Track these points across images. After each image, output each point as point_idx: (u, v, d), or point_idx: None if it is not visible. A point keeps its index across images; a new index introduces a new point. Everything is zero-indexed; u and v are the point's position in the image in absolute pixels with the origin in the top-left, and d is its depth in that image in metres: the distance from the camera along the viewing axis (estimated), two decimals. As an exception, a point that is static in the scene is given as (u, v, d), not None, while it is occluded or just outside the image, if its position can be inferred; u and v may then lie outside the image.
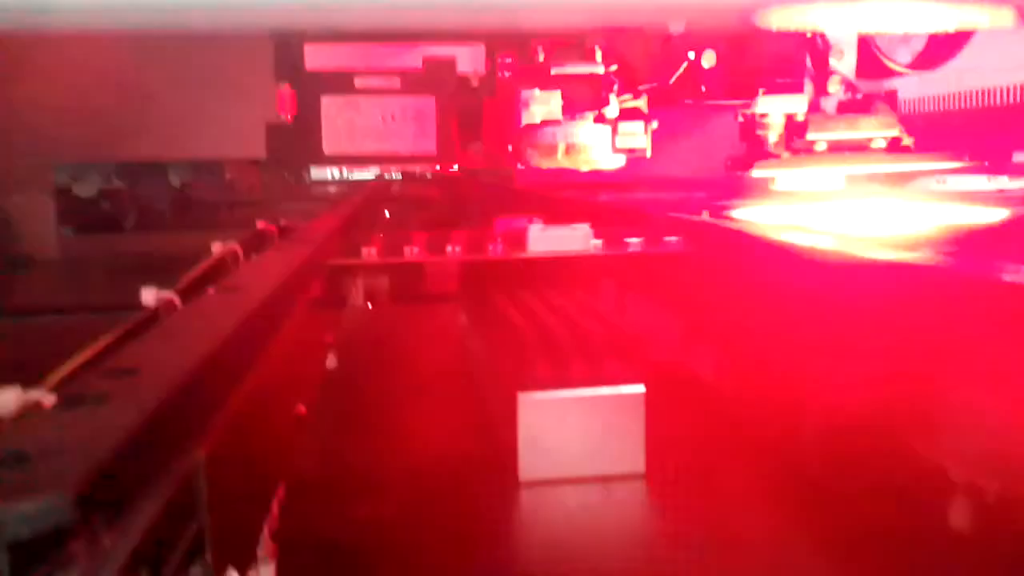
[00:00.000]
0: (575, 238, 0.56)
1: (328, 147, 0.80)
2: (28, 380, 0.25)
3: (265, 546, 0.28)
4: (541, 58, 0.85)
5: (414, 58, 0.80)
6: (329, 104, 0.77)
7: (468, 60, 0.84)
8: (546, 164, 0.87)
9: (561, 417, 0.42)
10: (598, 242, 0.56)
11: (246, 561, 0.25)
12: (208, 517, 0.21)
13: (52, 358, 0.28)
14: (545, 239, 0.55)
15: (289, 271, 0.37)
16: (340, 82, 0.78)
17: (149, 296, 0.40)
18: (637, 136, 0.88)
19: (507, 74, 0.83)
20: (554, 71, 0.85)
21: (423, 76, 0.81)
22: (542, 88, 0.85)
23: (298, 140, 0.80)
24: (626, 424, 0.42)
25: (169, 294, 0.40)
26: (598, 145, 0.88)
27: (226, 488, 0.23)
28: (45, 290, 0.87)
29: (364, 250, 0.50)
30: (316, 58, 0.79)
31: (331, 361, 0.57)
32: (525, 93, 0.84)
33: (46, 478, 0.14)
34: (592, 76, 0.86)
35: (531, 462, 0.42)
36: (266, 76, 0.77)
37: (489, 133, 0.84)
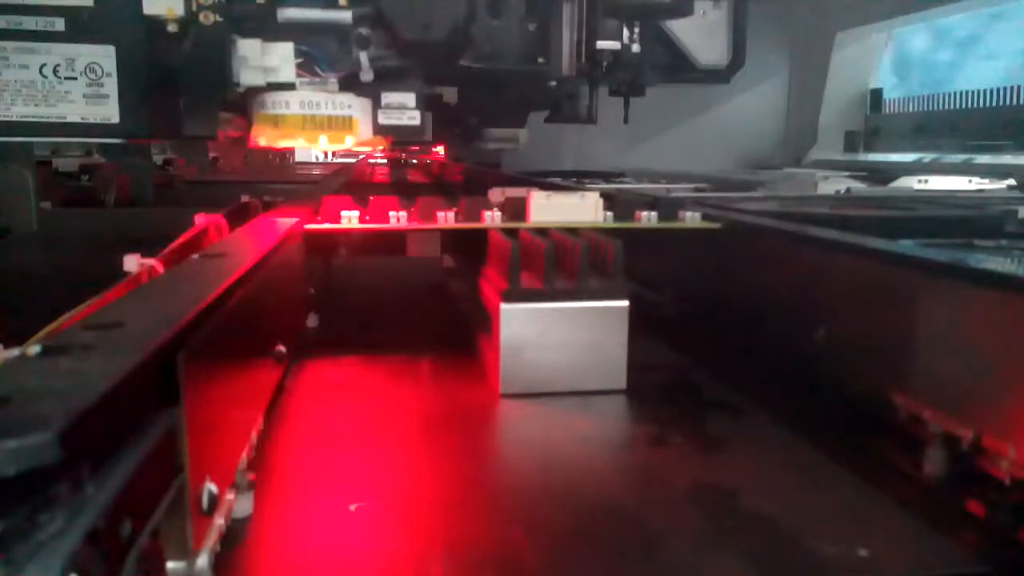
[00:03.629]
0: (584, 207, 0.50)
1: None
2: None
3: (244, 476, 0.29)
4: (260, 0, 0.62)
5: None
6: None
7: None
8: (278, 140, 0.67)
9: (544, 330, 0.41)
10: (609, 214, 0.51)
11: (223, 480, 0.25)
12: (188, 438, 0.21)
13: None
14: (549, 208, 0.50)
15: (273, 239, 0.37)
16: None
17: (132, 263, 0.40)
18: (408, 111, 0.68)
19: (216, 18, 0.61)
20: (281, 16, 0.62)
21: (96, 15, 0.59)
22: (266, 39, 0.62)
23: None
24: (609, 339, 0.42)
25: (152, 261, 0.40)
26: (352, 119, 0.66)
27: (206, 416, 0.23)
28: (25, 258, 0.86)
29: (346, 216, 0.47)
30: None
31: (312, 320, 0.57)
32: (242, 44, 0.61)
33: (28, 418, 0.14)
34: (338, 25, 0.64)
35: (513, 376, 0.42)
36: None
37: (193, 96, 0.60)
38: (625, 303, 0.42)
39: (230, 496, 0.26)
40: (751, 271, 0.50)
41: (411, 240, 0.57)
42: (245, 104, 0.65)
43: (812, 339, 0.41)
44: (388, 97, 0.67)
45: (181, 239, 0.44)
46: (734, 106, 1.89)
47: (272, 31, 0.63)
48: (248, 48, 0.61)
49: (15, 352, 0.22)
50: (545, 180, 0.97)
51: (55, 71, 0.60)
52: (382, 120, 0.67)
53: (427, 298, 0.70)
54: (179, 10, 0.59)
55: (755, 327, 0.49)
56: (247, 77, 0.62)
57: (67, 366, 0.17)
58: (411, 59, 0.67)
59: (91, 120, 0.61)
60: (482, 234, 0.48)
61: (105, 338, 0.19)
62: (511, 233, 0.46)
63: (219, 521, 0.24)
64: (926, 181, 1.36)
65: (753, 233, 0.50)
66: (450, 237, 0.60)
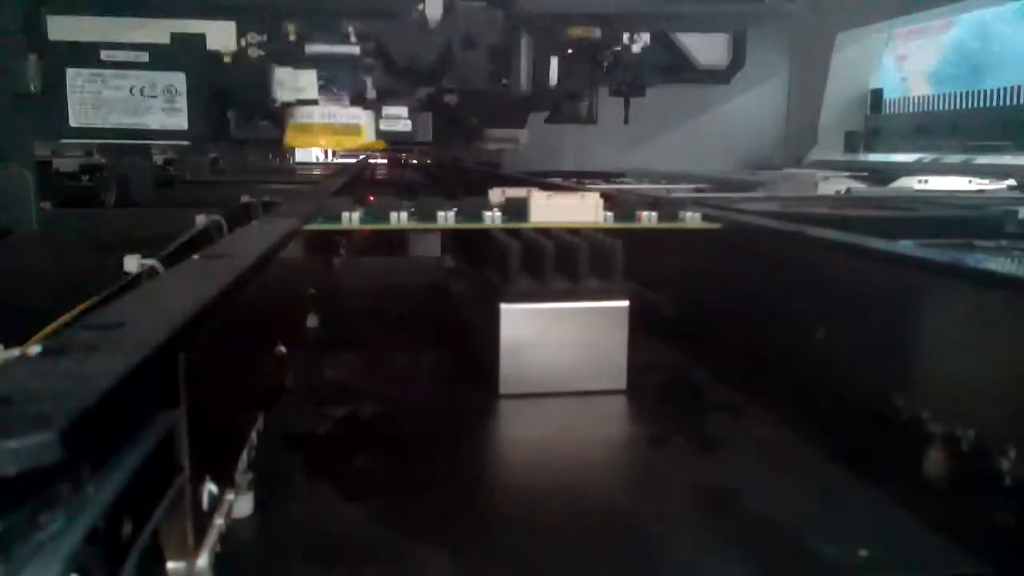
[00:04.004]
0: (584, 207, 0.50)
1: (75, 119, 0.79)
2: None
3: (244, 477, 0.29)
4: (292, 38, 0.87)
5: (162, 33, 0.80)
6: (75, 76, 0.76)
7: (218, 36, 0.83)
8: (305, 144, 0.90)
9: (544, 330, 0.41)
10: (609, 214, 0.51)
11: (224, 482, 0.25)
12: (190, 439, 0.21)
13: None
14: (550, 208, 0.49)
15: (274, 239, 0.37)
16: (85, 54, 0.77)
17: (132, 263, 0.40)
18: (402, 120, 0.91)
19: (260, 52, 0.84)
20: (308, 50, 0.86)
21: (171, 51, 0.81)
22: (296, 67, 0.86)
23: (44, 112, 0.80)
24: (609, 339, 0.42)
25: (152, 261, 0.40)
26: (360, 126, 0.89)
27: (208, 415, 0.23)
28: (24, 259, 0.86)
29: (346, 216, 0.48)
30: (60, 30, 0.78)
31: (312, 320, 0.57)
32: (278, 71, 0.85)
33: (28, 418, 0.14)
34: (348, 56, 0.87)
35: (512, 376, 0.42)
36: (15, 45, 0.76)
37: (244, 110, 0.86)
38: (625, 303, 0.42)
39: (230, 496, 0.26)
40: (751, 271, 0.50)
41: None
42: (280, 115, 0.88)
43: (812, 339, 0.41)
44: (387, 110, 0.92)
45: (181, 240, 0.44)
46: (734, 106, 1.88)
47: (301, 61, 0.86)
48: (283, 74, 0.85)
49: (15, 352, 0.22)
50: (545, 180, 0.97)
51: (141, 91, 0.80)
52: (382, 127, 0.92)
53: (427, 297, 0.70)
54: (232, 46, 0.83)
55: (755, 327, 0.49)
56: (282, 95, 0.85)
57: (67, 366, 0.17)
58: (404, 81, 0.92)
59: (167, 128, 0.81)
60: (482, 234, 0.48)
61: (105, 338, 0.19)
62: (512, 233, 0.46)
63: (219, 521, 0.24)
64: (926, 181, 1.36)
65: (753, 233, 0.50)
66: (450, 237, 0.60)
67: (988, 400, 0.30)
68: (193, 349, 0.21)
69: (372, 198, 0.53)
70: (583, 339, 0.42)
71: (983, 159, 1.40)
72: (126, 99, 0.79)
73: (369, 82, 0.89)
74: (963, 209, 0.81)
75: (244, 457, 0.30)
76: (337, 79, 0.89)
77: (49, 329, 0.27)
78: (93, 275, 0.38)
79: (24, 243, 0.92)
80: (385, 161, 2.33)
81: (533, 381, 0.42)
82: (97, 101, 0.81)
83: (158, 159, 1.80)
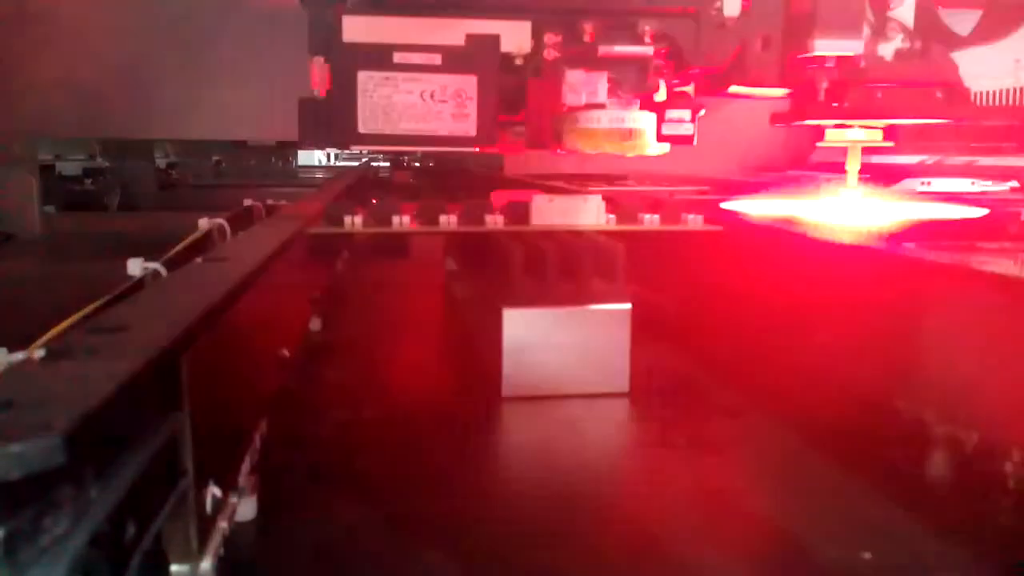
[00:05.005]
0: (587, 210, 0.50)
1: (364, 125, 0.79)
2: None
3: (247, 479, 0.29)
4: (587, 38, 0.81)
5: (456, 34, 0.77)
6: (366, 80, 0.72)
7: (513, 37, 0.80)
8: (588, 149, 0.90)
9: (546, 333, 0.41)
10: (611, 216, 0.51)
11: (227, 484, 0.25)
12: (193, 442, 0.21)
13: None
14: (551, 211, 0.50)
15: (276, 243, 0.37)
16: (378, 57, 0.74)
17: (135, 267, 0.40)
18: (684, 124, 0.84)
19: (553, 53, 0.80)
20: (601, 51, 0.81)
21: (465, 53, 0.77)
22: (588, 69, 0.81)
23: (332, 117, 0.78)
24: (612, 342, 0.42)
25: (155, 265, 0.40)
26: (644, 131, 0.83)
27: (211, 419, 0.23)
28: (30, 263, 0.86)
29: (348, 219, 0.47)
30: (354, 31, 0.77)
31: (315, 323, 0.57)
32: (570, 74, 0.80)
33: (33, 422, 0.14)
34: (641, 58, 0.82)
35: (515, 379, 0.42)
36: (300, 48, 0.76)
37: (532, 114, 0.81)
38: (627, 306, 0.42)
39: (233, 499, 0.26)
40: (753, 274, 0.50)
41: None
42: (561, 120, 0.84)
43: (815, 342, 0.41)
44: (671, 113, 0.85)
45: (185, 244, 0.44)
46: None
47: (592, 63, 0.81)
48: (573, 76, 0.80)
49: (19, 356, 0.22)
50: (548, 183, 0.97)
51: (432, 95, 0.77)
52: (664, 131, 0.84)
53: (430, 300, 0.70)
54: (527, 48, 0.79)
55: (757, 330, 0.49)
56: (571, 99, 0.80)
57: (71, 370, 0.17)
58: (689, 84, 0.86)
59: (456, 134, 0.78)
60: (485, 237, 0.48)
61: (109, 342, 0.19)
62: (514, 236, 0.46)
63: (222, 524, 0.24)
64: (929, 183, 1.35)
65: (755, 236, 0.50)
66: (453, 240, 0.60)
67: (990, 401, 0.30)
68: (196, 353, 0.21)
69: (375, 201, 0.53)
70: (585, 342, 0.42)
71: (985, 161, 1.40)
72: (416, 104, 0.77)
73: (662, 84, 0.84)
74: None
75: (247, 460, 0.30)
76: (624, 81, 0.83)
77: (53, 333, 0.27)
78: (96, 279, 0.38)
79: (28, 247, 0.92)
80: (387, 164, 2.33)
81: (535, 384, 0.42)
82: (388, 106, 0.83)
83: (160, 162, 1.80)
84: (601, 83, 0.80)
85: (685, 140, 0.82)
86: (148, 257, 0.40)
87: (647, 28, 0.81)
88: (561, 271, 0.43)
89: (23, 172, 1.11)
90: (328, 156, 2.51)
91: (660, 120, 0.82)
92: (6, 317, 0.47)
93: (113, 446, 0.17)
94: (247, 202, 0.64)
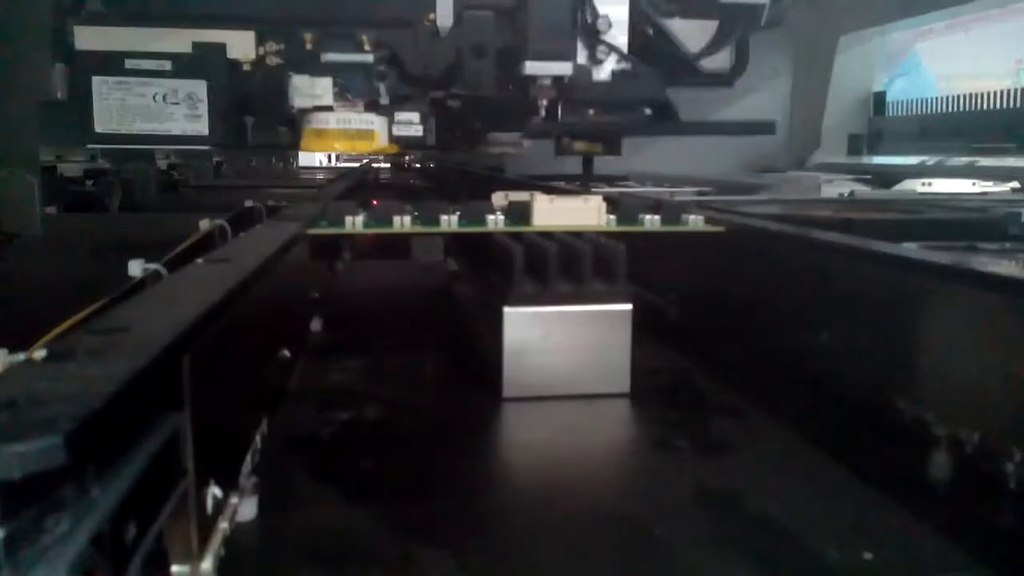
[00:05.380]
0: (587, 211, 0.49)
1: (100, 125, 0.82)
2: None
3: (248, 479, 0.29)
4: (309, 46, 0.92)
5: (184, 43, 0.85)
6: (100, 84, 0.79)
7: (239, 46, 0.89)
8: (322, 149, 1.01)
9: (547, 333, 0.41)
10: (612, 217, 0.50)
11: (228, 484, 0.26)
12: (193, 443, 0.21)
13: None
14: (553, 212, 0.49)
15: (277, 244, 0.37)
16: (111, 63, 0.82)
17: (136, 268, 0.40)
18: (414, 125, 0.96)
19: (276, 60, 0.89)
20: (323, 58, 0.91)
21: (194, 60, 0.85)
22: (312, 75, 0.91)
23: (70, 119, 0.84)
24: (612, 342, 0.42)
25: (156, 266, 0.40)
26: (374, 132, 0.94)
27: (212, 419, 0.23)
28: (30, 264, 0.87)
29: (349, 220, 0.48)
30: (87, 40, 0.82)
31: (316, 324, 0.57)
32: (296, 78, 0.90)
33: (34, 422, 0.14)
34: (362, 64, 0.92)
35: (516, 379, 0.42)
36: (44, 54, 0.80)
37: (262, 116, 0.91)
38: (628, 306, 0.42)
39: (234, 500, 0.27)
40: (754, 274, 0.50)
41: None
42: (296, 121, 0.94)
43: (816, 342, 0.41)
44: (399, 115, 0.95)
45: (185, 245, 0.44)
46: (737, 109, 1.89)
47: (317, 69, 0.90)
48: (300, 81, 0.90)
49: (21, 356, 0.22)
50: (548, 184, 0.97)
51: (164, 98, 0.83)
52: (395, 132, 0.96)
53: (430, 301, 0.70)
54: (252, 55, 0.87)
55: (759, 330, 0.49)
56: (299, 102, 0.89)
57: (73, 370, 0.17)
58: (416, 88, 0.96)
59: (189, 133, 0.84)
60: (486, 238, 0.48)
61: (110, 342, 0.19)
62: (515, 236, 0.46)
63: (223, 524, 0.24)
64: (930, 184, 1.36)
65: (756, 236, 0.50)
66: (453, 240, 0.60)
67: (992, 402, 0.30)
68: (197, 353, 0.22)
69: (376, 202, 0.53)
70: (586, 342, 0.42)
71: (986, 162, 1.40)
72: (149, 106, 0.82)
73: (382, 88, 0.93)
74: (966, 212, 0.81)
75: (248, 460, 0.30)
76: (351, 86, 0.93)
77: (54, 333, 0.27)
78: (98, 280, 0.38)
79: (29, 248, 0.92)
80: (388, 165, 2.34)
81: (536, 385, 0.42)
82: (121, 108, 0.83)
83: (162, 164, 1.80)
84: (325, 87, 0.90)
85: (415, 142, 0.94)
86: (149, 258, 0.40)
87: (364, 37, 0.91)
88: (562, 271, 0.43)
89: (24, 173, 1.11)
90: (329, 157, 2.52)
91: (391, 122, 0.94)
92: (7, 317, 0.47)
93: (114, 446, 0.17)
94: (248, 203, 0.64)
